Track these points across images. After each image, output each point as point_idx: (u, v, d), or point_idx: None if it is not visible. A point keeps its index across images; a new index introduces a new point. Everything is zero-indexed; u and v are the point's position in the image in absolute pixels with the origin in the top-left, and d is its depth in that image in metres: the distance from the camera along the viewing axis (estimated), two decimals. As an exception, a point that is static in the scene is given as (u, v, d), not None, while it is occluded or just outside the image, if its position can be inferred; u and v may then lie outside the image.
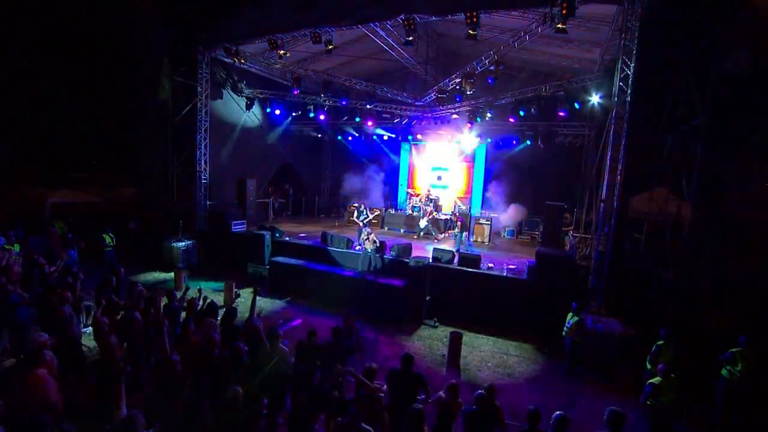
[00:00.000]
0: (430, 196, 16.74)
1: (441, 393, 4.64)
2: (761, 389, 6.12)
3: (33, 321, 6.28)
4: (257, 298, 6.71)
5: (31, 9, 14.38)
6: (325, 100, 15.54)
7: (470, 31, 9.57)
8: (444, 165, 18.55)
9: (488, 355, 8.56)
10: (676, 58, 9.50)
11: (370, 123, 16.43)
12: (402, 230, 16.56)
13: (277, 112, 16.64)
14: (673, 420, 5.53)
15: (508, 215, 16.06)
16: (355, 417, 3.96)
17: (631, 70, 8.55)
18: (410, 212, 17.03)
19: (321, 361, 5.42)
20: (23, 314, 6.42)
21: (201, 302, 6.49)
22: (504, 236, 16.23)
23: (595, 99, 12.17)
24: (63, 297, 6.19)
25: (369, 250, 10.77)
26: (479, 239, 15.34)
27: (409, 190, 18.60)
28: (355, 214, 13.46)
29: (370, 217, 13.58)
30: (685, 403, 6.26)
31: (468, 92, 12.43)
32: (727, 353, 6.16)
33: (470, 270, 10.24)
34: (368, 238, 10.82)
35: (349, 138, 18.89)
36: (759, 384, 6.07)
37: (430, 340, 9.09)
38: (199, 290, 6.91)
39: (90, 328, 6.70)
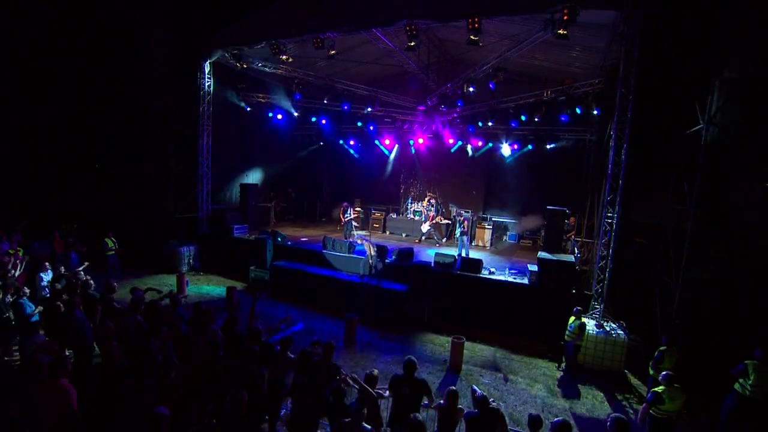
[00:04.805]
0: (432, 201, 16.75)
1: (441, 400, 4.65)
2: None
3: (39, 326, 6.31)
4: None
5: (35, 12, 14.50)
6: (327, 105, 15.60)
7: (472, 37, 9.62)
8: (445, 169, 18.57)
9: (490, 359, 8.55)
10: (678, 63, 9.52)
11: (371, 127, 16.48)
12: (404, 234, 16.58)
13: (280, 116, 16.71)
14: (674, 429, 5.45)
15: (530, 221, 15.98)
16: (356, 417, 3.97)
17: (632, 76, 8.57)
18: (412, 216, 17.05)
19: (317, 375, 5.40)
20: (32, 321, 6.45)
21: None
22: (506, 240, 16.22)
23: (596, 104, 12.18)
24: (72, 301, 6.21)
25: (371, 255, 10.80)
26: (480, 243, 15.34)
27: (411, 195, 18.62)
28: (341, 212, 14.78)
29: (352, 216, 14.80)
30: (687, 412, 6.12)
31: (469, 97, 12.47)
32: (740, 365, 5.87)
33: (472, 275, 10.24)
34: (365, 240, 10.94)
35: (351, 142, 18.94)
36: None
37: (431, 345, 9.09)
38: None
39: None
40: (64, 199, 15.51)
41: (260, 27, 12.45)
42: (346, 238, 13.88)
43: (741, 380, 5.89)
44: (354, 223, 15.04)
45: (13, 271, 8.47)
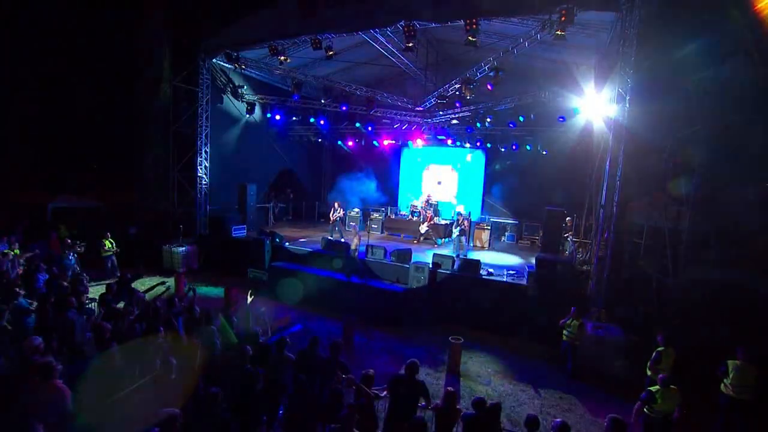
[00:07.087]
0: (431, 201, 16.76)
1: (438, 401, 4.65)
2: (762, 406, 5.77)
3: (36, 327, 6.27)
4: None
5: (32, 12, 14.48)
6: (325, 106, 15.59)
7: (470, 38, 9.64)
8: (443, 170, 18.63)
9: (488, 360, 8.55)
10: (675, 64, 9.54)
11: (370, 128, 16.49)
12: (402, 235, 16.58)
13: (278, 117, 16.69)
14: (670, 429, 5.44)
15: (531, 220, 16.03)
16: (345, 423, 3.95)
17: (630, 76, 8.59)
18: (410, 217, 17.05)
19: (320, 374, 5.40)
20: (31, 321, 6.42)
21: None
22: (504, 240, 16.23)
23: (594, 105, 12.18)
24: (67, 302, 6.19)
25: (355, 249, 10.81)
26: (478, 243, 15.35)
27: (409, 195, 18.64)
28: (332, 212, 15.02)
29: (340, 213, 15.11)
30: (686, 411, 6.10)
31: (467, 98, 12.49)
32: (722, 365, 5.90)
33: (470, 275, 10.24)
34: (356, 236, 10.94)
35: (350, 143, 18.95)
36: (759, 400, 5.72)
37: (429, 346, 9.08)
38: (192, 289, 7.19)
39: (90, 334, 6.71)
40: (61, 200, 15.46)
41: (259, 28, 12.45)
42: (342, 238, 13.88)
43: (725, 380, 5.92)
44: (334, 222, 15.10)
45: (9, 273, 8.45)
